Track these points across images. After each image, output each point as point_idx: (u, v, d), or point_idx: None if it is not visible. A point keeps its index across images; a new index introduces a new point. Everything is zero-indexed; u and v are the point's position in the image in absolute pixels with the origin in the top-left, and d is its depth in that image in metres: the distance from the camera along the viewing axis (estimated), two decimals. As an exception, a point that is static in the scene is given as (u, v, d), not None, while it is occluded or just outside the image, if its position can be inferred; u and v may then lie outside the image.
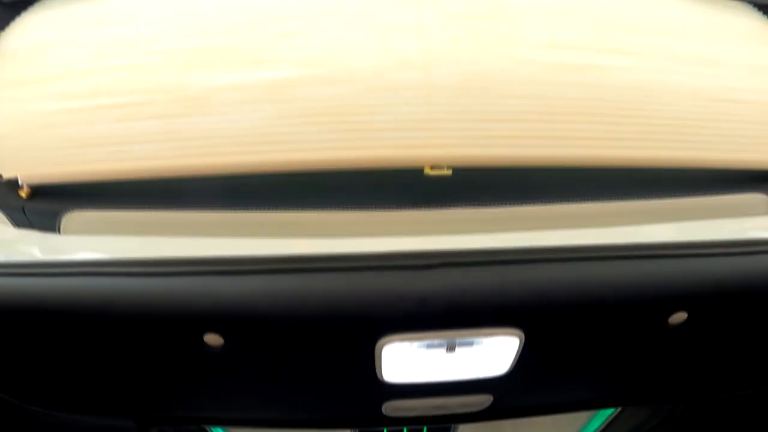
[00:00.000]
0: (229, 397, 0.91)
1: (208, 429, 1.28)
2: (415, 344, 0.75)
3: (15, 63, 0.94)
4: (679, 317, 0.79)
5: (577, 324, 0.77)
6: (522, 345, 0.78)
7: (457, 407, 0.95)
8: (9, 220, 0.78)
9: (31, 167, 0.77)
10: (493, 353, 0.79)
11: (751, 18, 1.12)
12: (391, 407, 0.93)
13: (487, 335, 0.74)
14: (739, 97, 0.95)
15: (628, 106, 0.85)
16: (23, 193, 0.77)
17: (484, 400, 0.94)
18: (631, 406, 1.10)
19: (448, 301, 0.70)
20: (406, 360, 0.78)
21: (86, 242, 0.76)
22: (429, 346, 0.76)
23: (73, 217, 0.76)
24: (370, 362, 0.77)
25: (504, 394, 0.93)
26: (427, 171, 0.73)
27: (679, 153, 0.84)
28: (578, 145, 0.78)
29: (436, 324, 0.72)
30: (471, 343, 0.76)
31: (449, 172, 0.73)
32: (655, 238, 0.78)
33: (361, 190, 0.76)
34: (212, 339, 0.73)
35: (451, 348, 0.76)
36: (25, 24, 0.99)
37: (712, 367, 0.96)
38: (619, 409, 1.28)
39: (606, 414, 1.37)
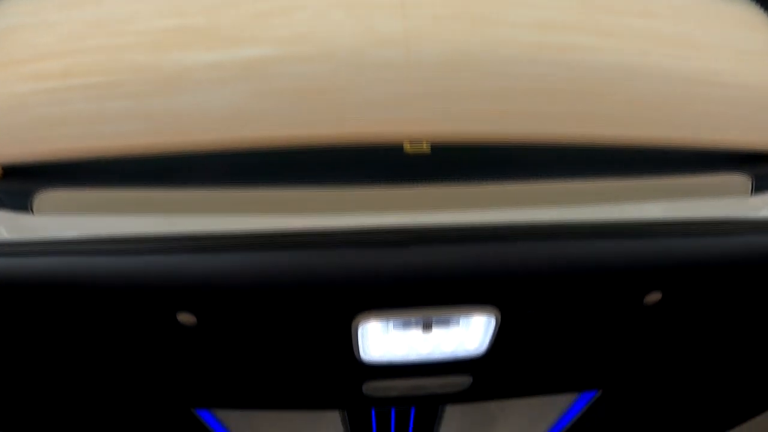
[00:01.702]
0: (205, 379, 0.91)
1: (194, 412, 1.28)
2: (391, 322, 0.75)
3: (-13, 46, 0.92)
4: (654, 297, 0.80)
5: (552, 303, 0.78)
6: (498, 324, 0.78)
7: (437, 388, 0.96)
8: None
9: (3, 147, 0.76)
10: (470, 332, 0.80)
11: (744, 7, 1.11)
12: (372, 387, 0.93)
13: (463, 313, 0.75)
14: (721, 80, 0.94)
15: (609, 85, 0.84)
16: None
17: (463, 380, 0.95)
18: (609, 389, 1.11)
19: (423, 278, 0.70)
20: (382, 338, 0.78)
21: (58, 221, 0.75)
22: (405, 325, 0.76)
23: (45, 197, 0.75)
24: (346, 340, 0.77)
25: (483, 374, 0.94)
26: (406, 148, 0.72)
27: (660, 133, 0.84)
28: (558, 123, 0.77)
29: (411, 301, 0.72)
30: (447, 322, 0.77)
31: (428, 149, 0.72)
32: (634, 216, 0.78)
33: (338, 167, 0.75)
34: (185, 318, 0.73)
35: (427, 327, 0.76)
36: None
37: (688, 350, 0.97)
38: (599, 393, 1.30)
39: (587, 398, 1.39)
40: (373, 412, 1.64)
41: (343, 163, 0.76)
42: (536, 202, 0.76)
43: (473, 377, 0.94)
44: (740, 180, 0.85)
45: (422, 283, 0.70)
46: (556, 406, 1.63)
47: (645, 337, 0.91)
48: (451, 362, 0.87)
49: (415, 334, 0.78)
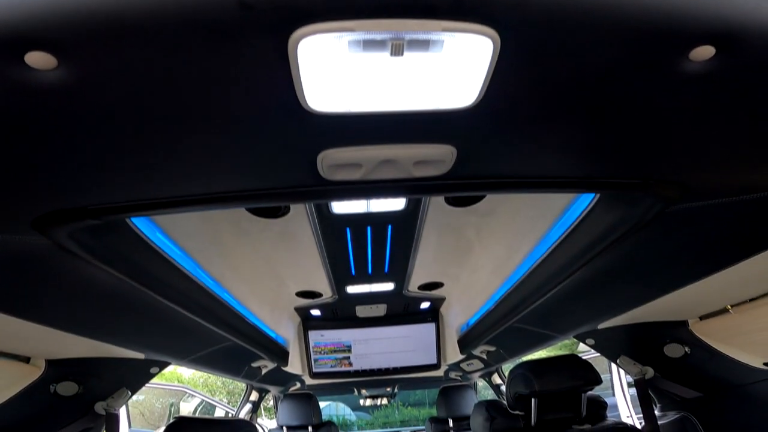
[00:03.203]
0: (102, 165, 0.70)
1: (129, 221, 1.11)
2: (345, 39, 0.53)
3: None
4: (702, 53, 0.59)
5: (571, 36, 0.56)
6: (495, 58, 0.57)
7: (412, 166, 0.79)
8: None
9: None
10: (455, 66, 0.58)
11: None
12: (329, 161, 0.75)
13: (446, 30, 0.52)
14: None
15: None
16: None
17: (445, 154, 0.77)
18: (620, 189, 0.94)
19: None
20: (335, 69, 0.57)
21: None
22: (366, 45, 0.54)
23: None
24: (284, 75, 0.56)
25: (471, 144, 0.75)
26: None
27: None
28: None
29: (372, 7, 0.49)
30: (426, 45, 0.55)
31: None
32: None
33: None
34: (39, 60, 0.51)
35: (397, 48, 0.54)
36: None
37: (721, 140, 0.78)
38: (596, 199, 1.15)
39: (580, 207, 1.25)
40: (348, 235, 1.51)
41: None
42: None
43: (458, 150, 0.76)
44: None
45: None
46: (534, 231, 1.50)
47: (676, 114, 0.71)
48: (429, 116, 0.67)
49: (381, 61, 0.57)
